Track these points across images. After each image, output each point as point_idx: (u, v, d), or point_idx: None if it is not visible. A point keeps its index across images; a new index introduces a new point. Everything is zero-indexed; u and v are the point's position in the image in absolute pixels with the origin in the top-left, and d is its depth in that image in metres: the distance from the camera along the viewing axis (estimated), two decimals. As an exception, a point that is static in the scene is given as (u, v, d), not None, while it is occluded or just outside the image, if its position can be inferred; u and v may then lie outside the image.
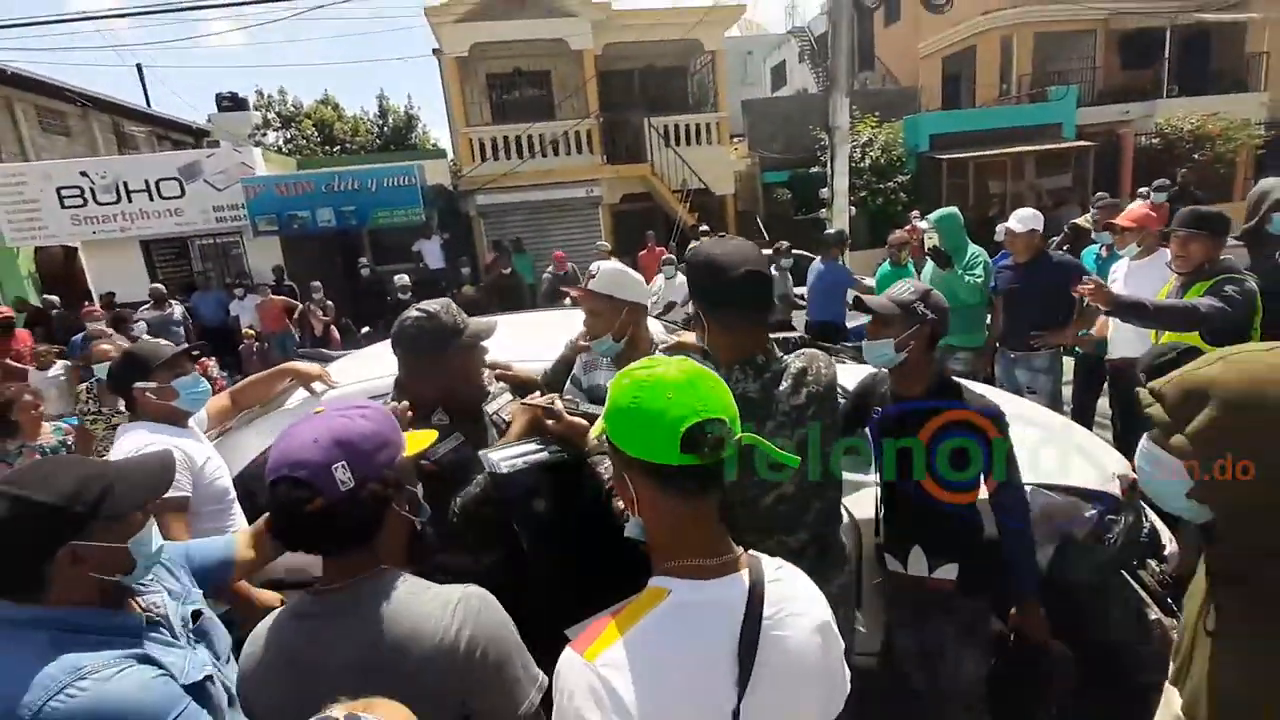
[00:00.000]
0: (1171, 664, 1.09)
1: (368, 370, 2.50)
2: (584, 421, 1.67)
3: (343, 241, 12.86)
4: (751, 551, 0.99)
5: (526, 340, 2.69)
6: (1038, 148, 14.03)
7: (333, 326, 9.14)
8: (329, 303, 9.27)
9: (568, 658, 0.87)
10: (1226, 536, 0.95)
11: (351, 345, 8.88)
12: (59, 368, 5.09)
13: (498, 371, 2.10)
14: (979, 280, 4.16)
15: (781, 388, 1.57)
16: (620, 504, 1.02)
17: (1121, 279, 3.60)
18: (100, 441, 3.57)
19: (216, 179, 11.39)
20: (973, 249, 4.36)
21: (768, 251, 7.45)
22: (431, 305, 1.81)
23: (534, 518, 1.80)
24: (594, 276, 2.01)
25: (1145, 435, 0.99)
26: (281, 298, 9.20)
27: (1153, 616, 2.20)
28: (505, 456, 1.61)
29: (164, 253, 11.97)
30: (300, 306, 9.17)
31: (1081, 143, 14.29)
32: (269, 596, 1.77)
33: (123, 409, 2.41)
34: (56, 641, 1.03)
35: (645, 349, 2.05)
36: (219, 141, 13.84)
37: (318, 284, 9.33)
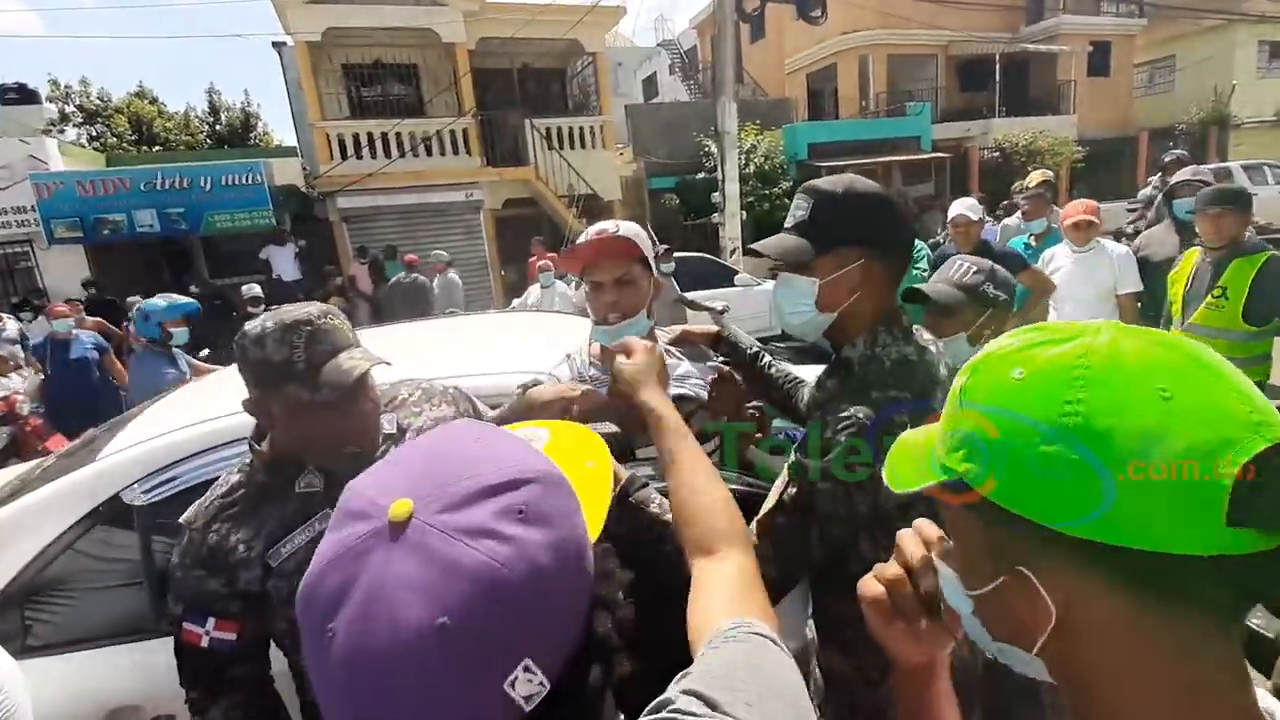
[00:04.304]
0: None
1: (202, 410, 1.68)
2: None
3: (169, 250, 10.95)
4: None
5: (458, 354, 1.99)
6: (903, 158, 14.95)
7: (161, 351, 7.56)
8: (155, 322, 7.65)
9: None
10: None
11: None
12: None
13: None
14: (924, 273, 4.28)
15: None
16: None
17: (1068, 267, 3.58)
18: None
19: (-6, 175, 9.26)
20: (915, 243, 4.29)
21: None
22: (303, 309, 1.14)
23: None
24: (614, 231, 1.30)
25: None
26: (95, 319, 7.47)
27: None
28: None
29: (-80, 267, 9.57)
30: (119, 331, 7.51)
31: (939, 154, 15.42)
32: None
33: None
34: None
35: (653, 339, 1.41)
36: (-1, 137, 11.32)
37: (136, 299, 7.66)
